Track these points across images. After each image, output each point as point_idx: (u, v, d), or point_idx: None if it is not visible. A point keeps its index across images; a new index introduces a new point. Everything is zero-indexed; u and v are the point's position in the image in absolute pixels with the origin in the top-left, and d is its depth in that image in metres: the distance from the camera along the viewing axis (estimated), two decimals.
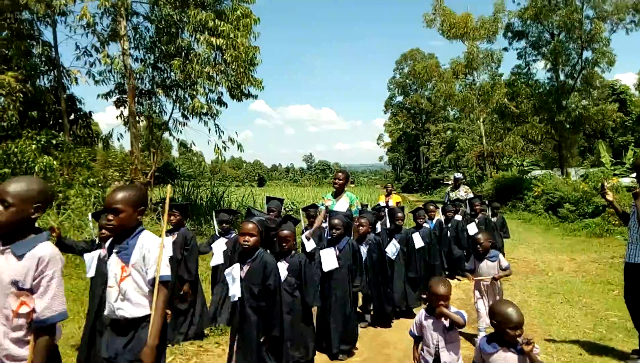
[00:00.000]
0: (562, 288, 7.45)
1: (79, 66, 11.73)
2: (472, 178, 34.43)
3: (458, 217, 8.90)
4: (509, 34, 25.93)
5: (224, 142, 12.06)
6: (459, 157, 39.93)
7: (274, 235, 3.93)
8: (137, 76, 11.76)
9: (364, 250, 5.41)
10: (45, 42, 11.85)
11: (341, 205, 6.19)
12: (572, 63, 23.59)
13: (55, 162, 9.73)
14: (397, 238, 6.16)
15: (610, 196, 4.70)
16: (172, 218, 5.16)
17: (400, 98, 60.36)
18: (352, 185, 69.72)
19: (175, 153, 59.07)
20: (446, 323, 3.19)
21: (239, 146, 12.05)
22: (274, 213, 5.94)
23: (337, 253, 4.82)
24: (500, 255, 4.90)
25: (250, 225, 3.45)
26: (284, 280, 4.03)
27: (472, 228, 8.37)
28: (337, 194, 6.36)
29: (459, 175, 11.17)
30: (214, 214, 6.28)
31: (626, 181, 16.76)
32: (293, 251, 4.26)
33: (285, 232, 4.19)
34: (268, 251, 4.01)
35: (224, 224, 5.88)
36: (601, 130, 28.45)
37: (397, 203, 10.93)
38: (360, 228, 5.49)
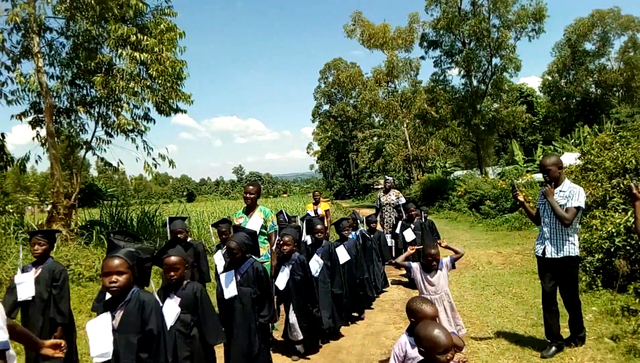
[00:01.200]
0: (493, 281, 7.97)
1: None
2: (400, 181, 35.83)
3: (396, 227, 8.62)
4: (425, 43, 27.41)
5: (154, 159, 11.60)
6: (387, 162, 41.38)
7: (148, 267, 3.08)
8: (55, 93, 11.01)
9: (286, 271, 4.97)
10: None
11: (254, 222, 5.58)
12: (483, 69, 25.39)
13: None
14: (320, 253, 5.53)
15: (521, 197, 4.83)
16: (36, 247, 4.26)
17: (327, 107, 61.51)
18: (285, 195, 69.67)
19: (93, 172, 55.82)
20: None
21: (171, 162, 11.63)
22: (182, 234, 5.46)
23: (239, 277, 4.09)
24: (445, 259, 4.57)
25: (117, 261, 2.73)
26: (177, 319, 3.40)
27: (409, 235, 7.94)
28: (249, 210, 5.76)
29: (389, 178, 10.80)
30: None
31: (539, 176, 18.26)
32: (185, 282, 3.53)
33: (173, 259, 3.41)
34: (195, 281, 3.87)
35: None
36: (513, 130, 30.88)
37: (326, 211, 10.45)
38: (285, 247, 4.92)
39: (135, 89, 10.56)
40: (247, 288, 4.04)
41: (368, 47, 32.66)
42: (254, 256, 4.25)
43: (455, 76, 48.77)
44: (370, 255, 7.49)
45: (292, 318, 4.96)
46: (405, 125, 33.75)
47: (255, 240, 4.31)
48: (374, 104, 33.33)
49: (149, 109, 11.62)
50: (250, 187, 5.81)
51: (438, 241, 4.90)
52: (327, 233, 6.84)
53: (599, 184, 8.79)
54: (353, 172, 59.62)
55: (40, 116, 11.10)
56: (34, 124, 11.22)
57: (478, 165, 27.80)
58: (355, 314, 6.45)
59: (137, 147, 11.59)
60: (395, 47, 32.07)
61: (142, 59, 10.11)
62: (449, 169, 32.52)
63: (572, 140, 23.32)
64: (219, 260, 5.54)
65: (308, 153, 69.75)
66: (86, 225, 11.53)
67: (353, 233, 7.04)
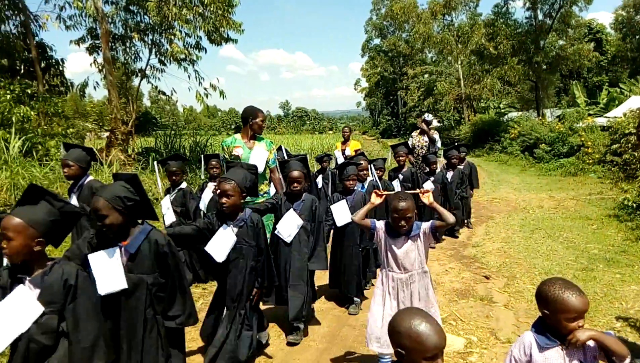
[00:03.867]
0: (543, 224, 7.80)
1: (48, 10, 11.09)
2: (450, 121, 34.75)
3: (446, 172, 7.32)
4: None
5: (205, 89, 11.78)
6: (437, 101, 39.96)
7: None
8: (110, 19, 11.18)
9: (228, 234, 3.22)
10: None
11: (258, 154, 4.57)
12: (550, 2, 23.41)
13: (32, 112, 9.38)
14: (298, 209, 3.96)
15: None
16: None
17: (377, 41, 59.22)
18: (331, 132, 69.49)
19: (147, 102, 57.42)
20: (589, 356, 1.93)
21: (221, 93, 11.79)
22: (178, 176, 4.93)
23: (125, 259, 2.53)
24: (424, 224, 3.03)
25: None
26: (37, 322, 2.08)
27: (428, 186, 6.49)
28: (249, 139, 4.64)
29: (429, 117, 8.51)
30: None
31: (601, 120, 17.21)
32: (51, 262, 2.19)
33: (13, 221, 2.08)
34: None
35: None
36: (577, 70, 28.83)
37: (356, 151, 8.43)
38: (224, 200, 3.16)
39: (188, 16, 10.56)
40: (142, 276, 2.52)
41: None
42: (148, 222, 2.65)
43: (519, 9, 45.29)
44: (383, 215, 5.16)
45: (223, 326, 3.22)
46: (459, 62, 32.15)
47: (142, 193, 2.57)
48: (427, 39, 31.73)
49: (200, 37, 11.69)
50: (261, 113, 4.69)
51: (420, 191, 3.15)
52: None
53: None
54: (401, 110, 58.17)
55: (96, 42, 11.39)
56: (91, 50, 11.54)
57: (535, 107, 26.39)
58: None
59: (189, 76, 11.79)
60: None
61: None
62: (503, 111, 31.09)
63: None
64: (166, 208, 4.87)
65: (355, 89, 68.39)
66: (142, 152, 12.04)
67: (360, 184, 5.16)
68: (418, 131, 8.45)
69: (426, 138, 8.18)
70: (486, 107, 32.39)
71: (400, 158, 6.56)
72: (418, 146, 8.23)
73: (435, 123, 8.88)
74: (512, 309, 4.50)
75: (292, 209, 3.94)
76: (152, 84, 12.26)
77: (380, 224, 3.11)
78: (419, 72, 48.90)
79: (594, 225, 7.44)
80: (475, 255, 6.36)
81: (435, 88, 39.99)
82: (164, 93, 12.56)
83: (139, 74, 12.12)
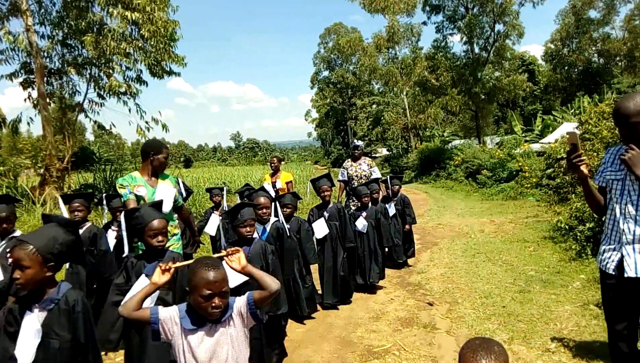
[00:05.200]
0: (484, 248, 8.01)
1: None
2: (399, 149, 35.69)
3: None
4: (427, 7, 26.86)
5: (146, 122, 11.52)
6: (385, 130, 41.08)
7: None
8: (45, 54, 10.81)
9: (32, 319, 2.29)
10: None
11: (165, 192, 3.90)
12: (485, 36, 24.98)
13: None
14: (150, 271, 2.78)
15: (585, 168, 2.78)
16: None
17: (326, 73, 60.60)
18: (283, 163, 69.56)
19: (90, 136, 55.55)
20: None
21: (164, 126, 11.55)
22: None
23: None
24: (237, 300, 2.06)
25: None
26: None
27: (319, 227, 5.32)
28: (153, 175, 4.01)
29: (359, 143, 7.67)
30: None
31: (536, 146, 18.21)
32: None
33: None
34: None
35: None
36: (513, 100, 30.59)
37: (288, 183, 7.87)
38: (16, 274, 2.24)
39: (127, 50, 10.39)
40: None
41: (369, 12, 31.82)
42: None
43: (456, 43, 48.08)
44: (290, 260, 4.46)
45: None
46: (404, 93, 33.37)
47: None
48: (373, 71, 32.86)
49: (141, 71, 11.51)
50: (166, 150, 4.10)
51: (227, 251, 2.09)
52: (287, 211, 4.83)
53: (595, 154, 8.71)
54: (351, 140, 59.26)
55: (31, 76, 10.95)
56: (25, 85, 11.07)
57: (476, 134, 27.66)
58: None
59: (129, 110, 11.51)
60: (396, 12, 31.28)
61: (134, 18, 9.89)
62: (447, 138, 32.35)
63: (572, 110, 23.13)
64: None
65: (306, 120, 69.24)
66: (80, 189, 11.50)
67: (262, 227, 4.35)
68: (350, 159, 7.55)
69: (364, 167, 7.34)
70: (431, 135, 33.61)
71: (325, 194, 5.55)
72: (356, 176, 7.32)
73: (385, 152, 8.59)
74: (454, 335, 4.52)
75: (143, 276, 2.81)
76: (91, 119, 11.86)
77: (170, 313, 1.99)
78: (367, 103, 50.23)
79: (531, 247, 7.72)
80: (420, 281, 6.41)
81: (383, 118, 41.15)
82: (103, 128, 12.16)
83: (77, 109, 11.70)
